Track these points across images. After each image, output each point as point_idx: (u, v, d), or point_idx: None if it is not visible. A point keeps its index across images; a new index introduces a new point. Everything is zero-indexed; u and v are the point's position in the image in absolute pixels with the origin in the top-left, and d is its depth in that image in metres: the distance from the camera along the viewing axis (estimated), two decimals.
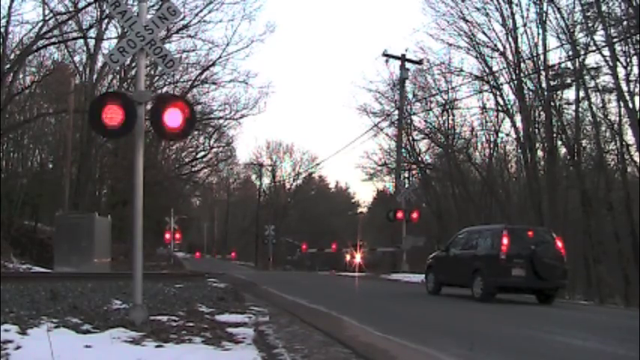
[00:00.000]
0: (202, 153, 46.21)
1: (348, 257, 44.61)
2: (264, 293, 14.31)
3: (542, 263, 13.30)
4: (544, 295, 13.80)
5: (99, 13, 27.84)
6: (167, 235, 45.97)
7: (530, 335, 8.28)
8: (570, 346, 7.52)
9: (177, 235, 49.61)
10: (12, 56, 25.78)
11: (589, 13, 26.26)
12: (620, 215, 26.77)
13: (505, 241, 13.45)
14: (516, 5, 30.25)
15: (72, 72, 31.90)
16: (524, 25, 29.81)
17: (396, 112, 33.67)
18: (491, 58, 32.41)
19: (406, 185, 31.90)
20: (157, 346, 6.01)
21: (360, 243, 41.72)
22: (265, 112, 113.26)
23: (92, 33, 29.58)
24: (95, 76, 31.85)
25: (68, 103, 28.76)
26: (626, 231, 25.93)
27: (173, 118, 7.37)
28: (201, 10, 30.82)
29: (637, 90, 25.31)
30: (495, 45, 31.47)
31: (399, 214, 27.32)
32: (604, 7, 25.28)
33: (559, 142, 29.98)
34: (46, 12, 25.92)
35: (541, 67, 29.55)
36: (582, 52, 27.15)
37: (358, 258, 38.99)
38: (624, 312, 15.51)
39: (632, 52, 25.06)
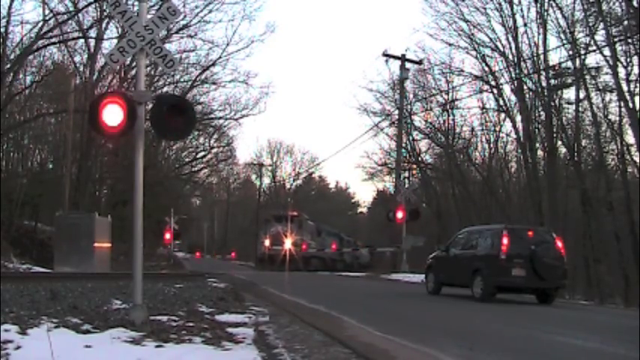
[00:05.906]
0: (202, 153, 46.26)
1: (266, 242, 32.25)
2: (264, 293, 14.30)
3: (542, 263, 13.31)
4: (544, 295, 13.80)
5: (99, 13, 27.82)
6: (167, 235, 45.69)
7: (530, 335, 8.28)
8: (570, 346, 7.52)
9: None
10: (12, 56, 25.76)
11: (589, 13, 26.27)
12: (620, 215, 26.77)
13: (505, 241, 13.46)
14: (516, 5, 30.34)
15: (72, 72, 31.87)
16: (525, 25, 29.90)
17: (396, 112, 33.68)
18: (491, 58, 32.52)
19: (406, 185, 31.86)
20: (157, 346, 6.01)
21: (293, 214, 28.86)
22: (266, 112, 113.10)
23: (92, 33, 29.56)
24: (95, 76, 31.83)
25: (68, 103, 28.71)
26: (626, 231, 25.93)
27: (173, 118, 7.37)
28: (201, 10, 30.82)
29: (637, 90, 25.37)
30: (495, 45, 31.54)
31: (399, 214, 27.30)
32: (604, 7, 25.31)
33: (559, 142, 30.02)
34: (46, 12, 25.91)
35: (541, 67, 29.58)
36: (583, 52, 27.17)
37: (288, 244, 28.61)
38: (624, 312, 15.52)
39: (633, 51, 25.09)
